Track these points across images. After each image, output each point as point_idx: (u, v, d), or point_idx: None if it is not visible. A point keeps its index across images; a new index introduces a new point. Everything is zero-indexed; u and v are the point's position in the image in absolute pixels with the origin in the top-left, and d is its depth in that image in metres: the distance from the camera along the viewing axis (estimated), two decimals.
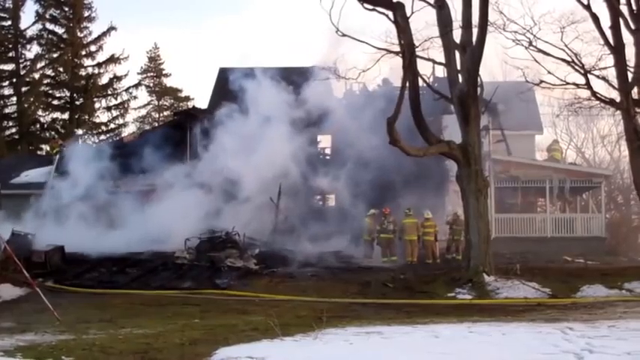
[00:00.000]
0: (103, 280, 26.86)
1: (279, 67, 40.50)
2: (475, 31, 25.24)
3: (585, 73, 29.13)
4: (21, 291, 24.20)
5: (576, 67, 29.34)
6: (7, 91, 60.45)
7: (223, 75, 44.94)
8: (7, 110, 60.49)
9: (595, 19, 27.93)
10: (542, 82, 31.58)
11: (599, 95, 29.40)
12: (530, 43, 29.69)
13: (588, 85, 29.31)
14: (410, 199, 31.29)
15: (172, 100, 71.18)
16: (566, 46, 29.28)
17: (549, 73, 30.61)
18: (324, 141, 38.91)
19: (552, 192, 37.42)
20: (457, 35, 25.84)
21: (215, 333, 15.78)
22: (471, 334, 14.73)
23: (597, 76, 29.57)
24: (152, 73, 71.76)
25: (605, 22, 27.74)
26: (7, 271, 24.74)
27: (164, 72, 72.21)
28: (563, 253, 32.51)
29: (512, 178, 37.16)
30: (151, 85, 71.31)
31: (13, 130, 60.43)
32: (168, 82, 72.19)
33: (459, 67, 25.75)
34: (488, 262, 24.69)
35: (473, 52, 25.35)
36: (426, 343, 13.71)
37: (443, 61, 26.51)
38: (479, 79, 26.05)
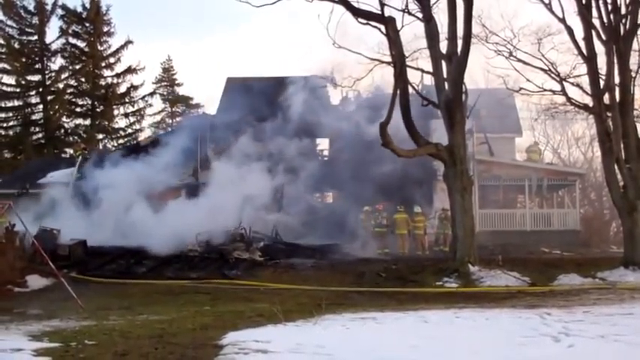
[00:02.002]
0: (122, 270, 26.82)
1: (280, 76, 40.52)
2: (460, 42, 25.22)
3: (561, 81, 29.13)
4: (47, 281, 24.16)
5: (552, 75, 29.35)
6: (34, 100, 60.51)
7: (230, 84, 44.99)
8: (34, 117, 60.58)
9: (569, 31, 27.89)
10: (521, 89, 31.62)
11: (573, 101, 29.40)
12: (511, 54, 29.73)
13: (564, 92, 29.30)
14: (401, 196, 31.28)
15: (184, 107, 71.16)
16: (543, 56, 29.31)
17: (528, 80, 30.67)
18: (322, 144, 38.97)
19: (531, 189, 37.43)
20: (443, 46, 25.83)
21: (224, 319, 15.76)
22: (457, 319, 14.71)
23: (572, 84, 29.60)
24: (166, 83, 71.78)
25: (579, 33, 27.71)
26: (34, 263, 24.73)
27: (177, 81, 72.28)
28: (541, 245, 32.57)
29: (495, 177, 37.18)
30: (165, 93, 71.31)
31: (40, 135, 60.43)
32: (180, 90, 72.24)
33: (445, 76, 25.72)
34: (472, 254, 24.65)
35: (458, 61, 25.32)
36: (416, 328, 13.71)
37: (431, 70, 26.46)
38: (463, 87, 26.03)
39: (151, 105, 65.33)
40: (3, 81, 59.28)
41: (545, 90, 30.39)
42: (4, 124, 60.05)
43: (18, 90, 59.81)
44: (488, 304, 18.18)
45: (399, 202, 31.32)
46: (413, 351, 11.01)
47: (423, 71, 28.11)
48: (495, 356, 10.75)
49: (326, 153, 38.97)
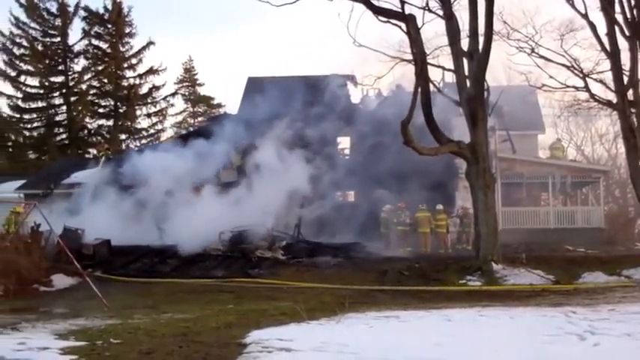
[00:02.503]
0: (146, 269, 26.95)
1: (301, 75, 40.55)
2: (481, 39, 25.12)
3: (584, 77, 28.97)
4: (72, 280, 24.36)
5: (575, 72, 29.21)
6: (57, 101, 61.00)
7: (251, 84, 45.08)
8: (58, 118, 61.10)
9: (592, 27, 27.73)
10: (543, 85, 31.49)
11: (597, 97, 29.25)
12: (533, 50, 29.61)
13: (587, 88, 29.15)
14: (423, 194, 31.18)
15: (206, 107, 71.39)
16: (565, 52, 29.18)
17: (550, 77, 30.55)
18: (343, 142, 38.91)
19: (554, 187, 37.14)
20: (465, 44, 25.73)
21: (247, 317, 15.80)
22: (481, 318, 14.65)
23: (595, 80, 29.44)
24: (187, 83, 72.09)
25: (602, 29, 27.54)
26: (60, 263, 24.93)
27: (198, 82, 72.59)
28: (565, 243, 32.28)
29: (517, 175, 36.95)
30: (187, 93, 71.61)
31: (64, 135, 60.92)
32: (201, 90, 72.51)
33: (466, 73, 25.62)
34: (496, 252, 24.54)
35: (479, 59, 25.22)
36: (439, 326, 13.65)
37: (452, 67, 26.41)
38: (485, 84, 25.90)
39: (172, 105, 65.74)
40: (27, 82, 59.83)
41: (568, 86, 30.26)
42: (29, 126, 60.58)
43: (42, 91, 60.30)
44: (512, 302, 18.09)
45: (421, 200, 31.21)
46: (437, 349, 10.98)
47: (444, 69, 28.13)
48: (520, 355, 10.69)
49: (347, 152, 38.91)
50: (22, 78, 59.70)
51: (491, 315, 15.04)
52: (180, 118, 71.32)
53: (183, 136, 43.41)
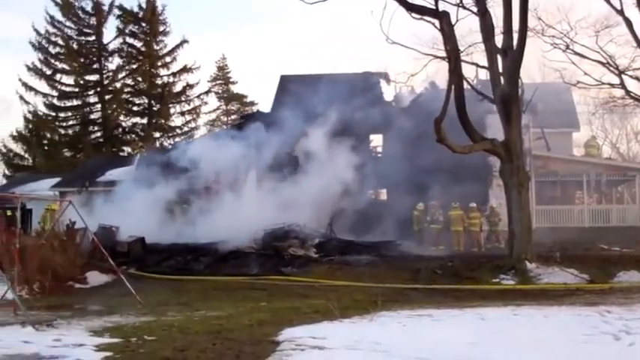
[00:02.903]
0: (180, 267, 27.07)
1: (333, 73, 40.50)
2: (516, 36, 24.90)
3: (619, 74, 28.69)
4: (107, 277, 24.54)
5: (611, 68, 28.93)
6: (92, 99, 61.64)
7: (284, 82, 45.14)
8: (92, 116, 61.74)
9: (628, 23, 27.42)
10: (578, 82, 31.24)
11: (632, 94, 28.94)
12: (567, 47, 29.37)
13: (622, 85, 28.86)
14: (456, 192, 31.02)
15: (239, 105, 71.69)
16: (601, 48, 28.93)
17: (585, 74, 30.30)
18: (376, 140, 38.83)
19: (589, 185, 36.80)
20: (499, 40, 25.53)
21: (280, 315, 15.81)
22: (515, 317, 14.55)
23: (631, 76, 29.17)
24: (220, 81, 72.53)
25: (638, 25, 27.20)
26: (94, 260, 25.15)
27: (231, 80, 72.97)
28: (599, 241, 31.92)
29: (552, 173, 36.66)
30: (220, 91, 72.04)
31: (98, 134, 61.54)
32: (235, 88, 72.87)
33: (500, 70, 25.42)
34: (530, 250, 24.34)
35: (514, 55, 25.01)
36: (473, 325, 13.58)
37: (486, 64, 26.23)
38: (519, 81, 25.70)
39: (206, 103, 66.18)
40: (62, 81, 60.55)
41: (603, 83, 30.00)
42: (64, 124, 61.28)
43: (77, 90, 60.95)
44: (546, 301, 17.92)
45: (454, 198, 31.07)
46: (470, 348, 10.92)
47: (478, 66, 27.94)
48: (555, 354, 10.61)
49: (380, 149, 38.83)
50: (58, 76, 60.48)
51: (526, 314, 14.92)
52: (213, 116, 71.77)
53: (217, 134, 43.59)
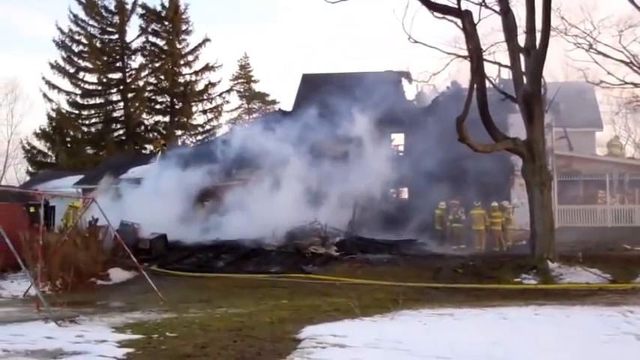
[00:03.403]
0: (201, 264, 27.17)
1: (355, 72, 40.47)
2: (538, 35, 24.76)
3: None
4: (129, 274, 24.69)
5: (634, 68, 28.70)
6: (115, 97, 61.94)
7: (306, 80, 45.15)
8: (115, 114, 62.03)
9: None
10: (601, 82, 31.02)
11: None
12: (591, 46, 29.20)
13: None
14: (478, 191, 30.90)
15: (260, 104, 71.81)
16: (624, 48, 28.68)
17: (609, 73, 30.09)
18: (397, 139, 38.76)
19: (612, 185, 36.53)
20: (522, 40, 25.42)
21: (301, 313, 15.84)
22: (537, 316, 14.48)
23: None
24: (242, 80, 72.62)
25: None
26: (117, 257, 25.29)
27: (253, 78, 73.07)
28: (622, 241, 31.66)
29: (574, 172, 36.43)
30: (242, 90, 72.18)
31: (121, 131, 61.81)
32: (256, 87, 72.99)
33: (523, 70, 25.29)
34: (552, 250, 24.20)
35: (536, 55, 24.86)
36: (494, 324, 13.53)
37: (508, 63, 26.10)
38: (542, 80, 25.55)
39: (228, 102, 66.21)
40: (85, 79, 60.86)
41: (626, 83, 29.76)
42: (87, 122, 61.59)
43: (100, 88, 61.27)
44: (568, 301, 17.80)
45: (475, 197, 30.94)
46: (492, 347, 10.88)
47: (500, 65, 27.84)
48: (577, 354, 10.55)
49: (401, 148, 38.76)
50: (81, 75, 60.80)
51: (547, 314, 14.84)
52: (235, 114, 71.92)
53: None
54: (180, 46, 63.46)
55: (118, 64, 61.95)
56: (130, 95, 61.53)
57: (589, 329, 12.45)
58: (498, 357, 10.29)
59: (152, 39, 63.22)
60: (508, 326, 13.24)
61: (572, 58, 32.09)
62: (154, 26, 63.02)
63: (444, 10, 25.17)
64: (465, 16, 24.46)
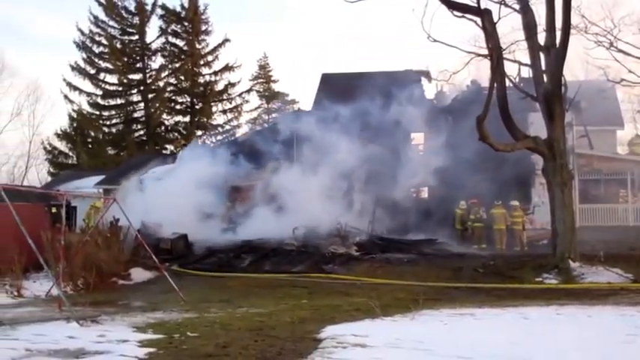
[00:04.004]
0: (222, 264, 27.24)
1: (374, 71, 40.43)
2: (559, 34, 24.62)
3: None
4: (150, 274, 24.82)
5: None
6: (135, 98, 62.28)
7: (325, 80, 45.15)
8: (136, 115, 62.41)
9: None
10: (622, 80, 30.72)
11: None
12: (611, 44, 28.99)
13: None
14: (498, 191, 30.75)
15: (280, 103, 71.91)
16: None
17: (630, 71, 29.82)
18: (417, 138, 38.69)
19: (633, 183, 36.26)
20: (541, 38, 25.27)
21: (322, 312, 15.85)
22: (558, 316, 14.42)
23: None
24: (262, 79, 72.69)
25: None
26: (138, 257, 25.41)
27: (272, 78, 73.11)
28: None
29: (595, 171, 36.20)
30: (261, 90, 72.22)
31: (142, 132, 62.17)
32: (276, 87, 73.04)
33: (543, 68, 25.16)
34: (573, 250, 24.05)
35: (557, 53, 24.73)
36: (515, 324, 13.49)
37: (528, 62, 25.97)
38: (562, 79, 25.41)
39: (247, 101, 66.42)
40: (106, 80, 61.29)
41: None
42: (108, 122, 61.99)
43: (120, 89, 61.66)
44: (589, 301, 17.71)
45: (496, 196, 30.81)
46: (513, 347, 10.84)
47: (520, 63, 27.63)
48: (598, 354, 10.48)
49: (421, 147, 38.69)
50: (102, 75, 61.24)
51: (569, 313, 14.78)
52: (255, 114, 72.05)
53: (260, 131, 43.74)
54: (199, 47, 63.68)
55: (138, 65, 62.30)
56: (150, 96, 61.85)
57: (611, 329, 12.38)
58: (519, 357, 10.24)
59: (172, 39, 63.58)
60: (529, 326, 13.18)
61: (593, 57, 31.91)
62: (173, 27, 63.32)
63: (464, 8, 25.05)
64: (485, 15, 24.35)
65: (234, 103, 64.63)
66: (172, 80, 63.80)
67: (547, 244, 27.98)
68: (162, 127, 63.20)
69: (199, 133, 63.76)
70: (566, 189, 24.54)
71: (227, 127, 64.76)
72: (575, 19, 25.99)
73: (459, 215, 31.61)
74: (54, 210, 27.19)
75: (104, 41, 60.92)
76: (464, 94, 37.06)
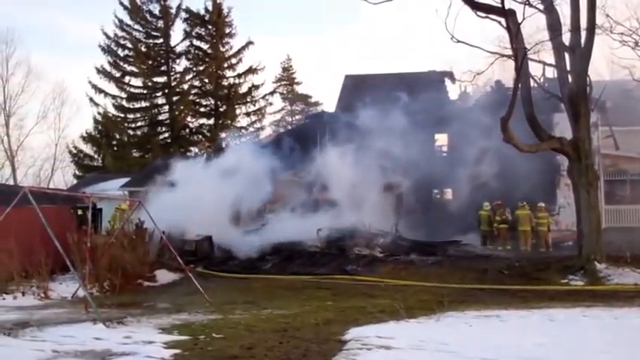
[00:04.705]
0: (246, 266, 27.28)
1: (398, 72, 40.38)
2: (583, 33, 24.46)
3: None
4: (175, 276, 24.93)
5: None
6: (160, 101, 62.52)
7: (348, 81, 45.13)
8: (160, 117, 62.65)
9: None
10: None
11: None
12: (637, 44, 28.60)
13: None
14: (523, 192, 30.58)
15: (303, 105, 71.96)
16: None
17: None
18: (441, 139, 38.58)
19: None
20: (566, 38, 25.10)
21: (346, 314, 15.82)
22: (584, 318, 14.31)
23: None
24: (285, 82, 72.83)
25: None
26: (163, 259, 25.52)
27: (296, 80, 73.21)
28: None
29: (621, 172, 35.93)
30: (285, 92, 72.32)
31: (166, 134, 62.41)
32: (299, 89, 73.11)
33: (568, 68, 25.01)
34: (599, 251, 23.86)
35: (582, 53, 24.57)
36: (541, 326, 13.41)
37: (553, 62, 25.82)
38: (587, 79, 25.23)
39: (271, 104, 66.40)
40: (131, 83, 61.56)
41: None
42: (133, 125, 62.26)
43: (145, 91, 61.92)
44: (616, 302, 17.57)
45: (521, 197, 30.63)
46: (538, 349, 10.77)
47: (545, 64, 27.51)
48: (625, 356, 10.41)
49: (445, 149, 38.58)
50: (127, 79, 61.52)
51: (595, 315, 14.67)
52: (278, 116, 72.19)
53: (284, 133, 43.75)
54: (223, 50, 63.80)
55: (162, 68, 62.55)
56: (174, 98, 62.09)
57: (637, 331, 12.29)
58: (545, 359, 10.17)
59: (196, 42, 63.70)
60: (555, 328, 13.10)
61: (618, 56, 31.63)
62: (197, 30, 63.47)
63: (488, 9, 24.94)
64: (509, 15, 24.22)
65: (257, 106, 64.71)
66: (196, 83, 64.00)
67: (572, 245, 27.80)
68: (187, 130, 63.40)
69: (223, 135, 63.91)
70: (591, 190, 24.36)
71: (251, 129, 64.91)
72: (600, 19, 25.77)
73: (483, 216, 31.46)
74: (80, 212, 27.40)
75: (129, 44, 61.25)
76: (488, 95, 36.91)
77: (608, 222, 33.15)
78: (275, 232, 29.30)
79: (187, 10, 62.86)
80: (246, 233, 30.37)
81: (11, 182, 57.65)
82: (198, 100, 64.22)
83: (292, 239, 28.69)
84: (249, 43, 63.09)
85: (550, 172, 32.90)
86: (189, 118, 63.70)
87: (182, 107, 62.22)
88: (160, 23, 62.11)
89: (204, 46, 63.86)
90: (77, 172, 60.66)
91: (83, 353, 11.04)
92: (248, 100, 64.32)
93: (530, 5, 25.39)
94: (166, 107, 62.37)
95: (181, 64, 63.31)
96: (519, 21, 24.28)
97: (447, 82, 41.04)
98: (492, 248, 30.17)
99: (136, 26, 61.65)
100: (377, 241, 29.33)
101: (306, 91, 74.35)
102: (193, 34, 63.24)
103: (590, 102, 25.48)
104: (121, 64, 61.29)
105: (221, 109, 63.31)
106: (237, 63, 63.62)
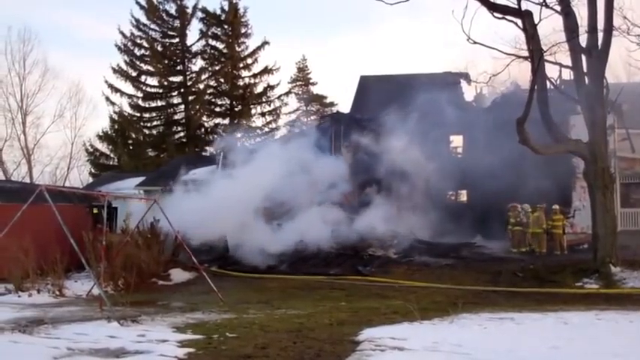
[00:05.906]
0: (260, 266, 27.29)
1: (413, 73, 40.27)
2: (600, 35, 24.34)
3: None
4: (189, 275, 25.03)
5: None
6: (176, 100, 62.62)
7: (363, 82, 45.05)
8: (176, 117, 62.75)
9: None
10: None
11: None
12: None
13: None
14: (538, 194, 30.41)
15: (319, 106, 71.90)
16: None
17: None
18: (456, 141, 38.43)
19: None
20: (583, 40, 24.97)
21: (359, 315, 15.83)
22: (599, 322, 14.24)
23: None
24: (301, 82, 72.81)
25: None
26: (177, 258, 25.60)
27: (311, 81, 73.18)
28: None
29: (637, 175, 35.66)
30: (300, 92, 72.29)
31: (182, 134, 62.51)
32: (315, 89, 73.05)
33: (585, 70, 24.88)
34: (614, 254, 23.74)
35: (599, 55, 24.44)
36: (555, 329, 13.35)
37: (570, 64, 25.69)
38: (604, 81, 25.09)
39: (286, 104, 66.33)
40: (147, 82, 61.72)
41: None
42: (149, 124, 62.42)
43: (161, 91, 62.06)
44: (631, 306, 17.47)
45: (536, 200, 30.46)
46: (553, 352, 10.74)
47: (561, 66, 27.36)
48: None
49: (460, 150, 38.44)
50: (143, 78, 61.66)
51: (609, 319, 14.59)
52: (293, 116, 72.15)
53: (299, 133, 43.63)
54: (239, 49, 63.84)
55: (178, 68, 62.69)
56: (190, 98, 62.20)
57: None
58: None
59: (212, 42, 63.77)
60: (569, 331, 13.03)
61: (635, 58, 31.46)
62: (213, 30, 63.54)
63: (504, 10, 24.87)
64: (526, 17, 24.16)
65: (273, 106, 64.69)
66: (212, 83, 64.07)
67: (587, 248, 27.64)
68: (202, 129, 63.49)
69: (239, 135, 63.91)
70: (607, 192, 24.24)
71: (266, 129, 64.92)
72: (617, 21, 25.63)
73: (508, 217, 31.15)
74: (95, 211, 27.53)
75: (145, 44, 61.42)
76: (504, 97, 36.74)
77: (624, 225, 32.92)
78: (289, 235, 29.16)
79: (203, 10, 63.01)
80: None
81: (28, 180, 57.88)
82: (213, 100, 64.30)
83: (306, 240, 28.60)
84: (265, 43, 63.16)
85: (566, 175, 32.68)
86: (204, 118, 63.80)
87: (197, 107, 62.32)
88: (177, 23, 62.24)
89: (220, 45, 63.95)
90: (93, 171, 60.91)
91: (97, 351, 11.09)
92: (263, 100, 64.33)
93: (547, 6, 25.30)
94: (182, 107, 62.50)
95: (197, 63, 63.49)
96: (536, 22, 24.23)
97: (463, 83, 40.85)
98: (507, 250, 30.01)
99: (153, 26, 61.83)
100: (391, 242, 29.27)
101: (321, 92, 74.36)
102: (209, 33, 63.33)
103: (606, 104, 25.34)
104: (137, 63, 61.47)
105: (236, 109, 63.34)
106: (253, 63, 63.70)
